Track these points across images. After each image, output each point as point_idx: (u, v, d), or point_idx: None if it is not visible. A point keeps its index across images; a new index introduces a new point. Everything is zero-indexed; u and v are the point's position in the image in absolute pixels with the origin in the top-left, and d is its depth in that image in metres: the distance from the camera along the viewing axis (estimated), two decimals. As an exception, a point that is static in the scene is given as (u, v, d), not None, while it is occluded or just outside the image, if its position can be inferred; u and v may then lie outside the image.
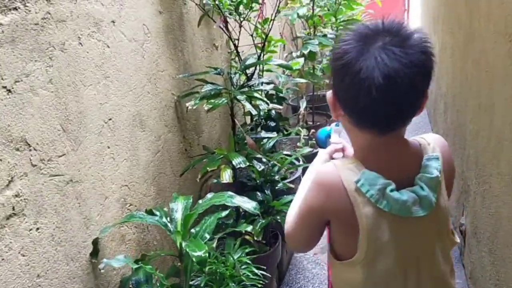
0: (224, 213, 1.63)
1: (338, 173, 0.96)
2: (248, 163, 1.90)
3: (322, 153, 1.23)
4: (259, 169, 1.94)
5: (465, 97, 2.63)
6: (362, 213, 0.93)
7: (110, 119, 1.64)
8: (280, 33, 3.35)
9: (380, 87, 0.85)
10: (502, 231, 1.77)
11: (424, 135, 1.05)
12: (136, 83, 1.80)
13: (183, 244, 1.46)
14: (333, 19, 3.88)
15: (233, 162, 1.90)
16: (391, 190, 0.93)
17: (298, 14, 3.28)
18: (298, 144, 3.21)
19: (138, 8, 1.81)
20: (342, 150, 1.23)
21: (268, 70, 2.87)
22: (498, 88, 1.81)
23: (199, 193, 2.26)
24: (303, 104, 3.50)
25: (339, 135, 1.28)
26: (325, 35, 3.56)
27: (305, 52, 3.27)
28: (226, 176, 1.86)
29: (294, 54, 3.35)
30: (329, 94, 1.00)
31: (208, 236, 1.59)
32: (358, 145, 1.02)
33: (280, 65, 2.09)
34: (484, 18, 2.05)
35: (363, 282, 0.98)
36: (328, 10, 4.08)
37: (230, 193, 1.55)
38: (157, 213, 1.70)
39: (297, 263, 2.81)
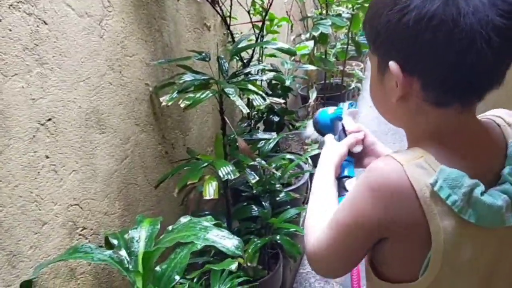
0: (200, 245, 1.22)
1: (405, 173, 0.67)
2: (237, 174, 1.48)
3: (339, 146, 0.95)
4: (253, 181, 1.53)
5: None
6: (439, 227, 0.66)
7: (49, 120, 1.23)
8: (286, 11, 2.90)
9: (498, 30, 0.61)
10: None
11: (495, 111, 0.79)
12: (90, 71, 1.39)
13: (138, 293, 1.06)
14: (348, -3, 3.41)
15: (220, 173, 1.49)
16: (481, 194, 0.66)
17: (307, -11, 2.83)
18: (306, 141, 2.79)
19: (93, -27, 1.39)
20: (362, 141, 0.98)
21: (271, 55, 2.44)
22: None
23: (186, 210, 1.87)
24: (313, 95, 3.06)
25: (354, 119, 1.00)
26: (339, 14, 3.11)
27: (316, 34, 2.83)
28: (210, 191, 1.45)
29: (303, 37, 2.91)
30: (392, 66, 0.69)
31: (177, 278, 1.19)
32: (427, 131, 0.73)
33: (279, 49, 1.66)
34: None
35: None
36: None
37: (204, 223, 1.14)
38: (115, 241, 1.30)
39: (303, 281, 2.40)
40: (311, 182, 2.42)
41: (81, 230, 1.37)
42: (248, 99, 1.66)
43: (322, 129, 1.07)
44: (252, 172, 1.61)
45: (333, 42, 4.07)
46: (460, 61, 0.64)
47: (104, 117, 1.46)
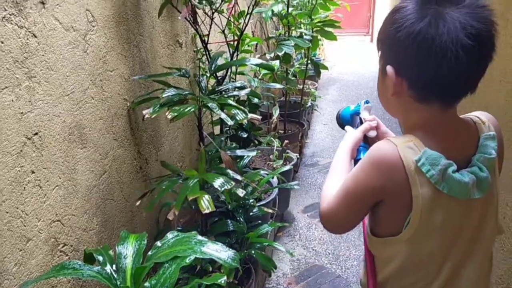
0: (188, 260, 1.23)
1: (398, 151, 0.90)
2: (232, 183, 1.50)
3: (355, 132, 1.17)
4: (241, 195, 1.55)
5: None
6: (419, 193, 0.89)
7: (35, 134, 1.21)
8: (252, 31, 2.97)
9: (466, 48, 0.81)
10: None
11: (475, 112, 1.00)
12: (75, 85, 1.38)
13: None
14: (308, 20, 3.54)
15: (215, 185, 1.50)
16: (453, 171, 0.88)
17: (272, 11, 2.92)
18: (271, 157, 2.85)
19: (80, -13, 1.39)
20: (376, 128, 1.17)
21: (240, 73, 2.49)
22: None
23: (157, 226, 1.86)
24: (276, 112, 3.14)
25: (369, 113, 1.20)
26: (300, 36, 3.22)
27: (280, 54, 2.92)
28: (206, 203, 1.45)
29: (267, 56, 2.98)
30: (389, 70, 0.91)
31: (167, 293, 1.19)
32: (417, 122, 0.95)
33: (260, 65, 1.72)
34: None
35: (405, 259, 0.96)
36: (301, 9, 3.75)
37: (198, 237, 1.16)
38: (100, 258, 1.28)
39: (270, 296, 2.44)
40: (279, 200, 2.48)
41: (62, 247, 1.34)
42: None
43: (343, 122, 1.28)
44: (238, 186, 1.63)
45: (292, 61, 4.20)
46: (436, 70, 0.84)
47: (86, 131, 1.45)
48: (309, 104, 4.28)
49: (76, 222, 1.40)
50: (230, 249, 1.12)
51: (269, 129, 3.52)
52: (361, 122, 1.19)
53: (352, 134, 1.16)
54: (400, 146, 0.89)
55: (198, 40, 2.21)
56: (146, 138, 1.88)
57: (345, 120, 1.27)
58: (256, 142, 2.78)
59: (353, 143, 1.14)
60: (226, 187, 1.45)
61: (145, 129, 1.86)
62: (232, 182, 1.45)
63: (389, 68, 0.91)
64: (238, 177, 1.62)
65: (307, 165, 4.07)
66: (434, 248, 0.94)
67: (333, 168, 1.12)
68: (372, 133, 1.16)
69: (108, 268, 1.23)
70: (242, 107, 1.65)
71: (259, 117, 1.79)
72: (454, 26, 0.82)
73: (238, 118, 1.60)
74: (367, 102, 1.21)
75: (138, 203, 1.55)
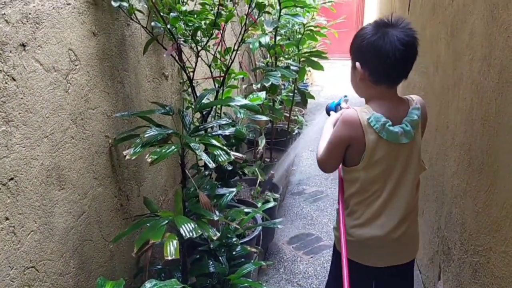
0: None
1: (357, 114, 1.49)
2: (200, 232, 1.47)
3: (334, 115, 1.75)
4: (215, 238, 1.52)
5: (443, 146, 2.36)
6: (369, 138, 1.47)
7: (11, 179, 1.17)
8: (239, 62, 2.98)
9: (399, 51, 1.41)
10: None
11: (411, 95, 1.60)
12: (54, 126, 1.35)
13: None
14: (296, 50, 3.57)
15: (181, 231, 1.47)
16: (389, 125, 1.46)
17: (260, 42, 2.93)
18: (252, 193, 2.83)
19: (63, 28, 1.37)
20: None
21: (226, 105, 2.48)
22: (505, 145, 1.51)
23: (137, 263, 1.81)
24: (262, 142, 3.13)
25: (346, 103, 1.80)
26: (288, 67, 3.23)
27: (267, 84, 2.92)
28: (171, 250, 1.42)
29: (254, 86, 2.98)
30: (357, 64, 1.51)
31: None
32: (371, 97, 1.55)
33: (244, 106, 1.71)
34: (480, 62, 1.78)
35: (361, 179, 1.54)
36: (289, 39, 3.78)
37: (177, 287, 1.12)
38: (74, 307, 1.24)
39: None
40: (264, 233, 2.45)
41: (36, 294, 1.29)
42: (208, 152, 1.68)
43: (329, 111, 1.85)
44: (213, 228, 1.60)
45: (278, 89, 4.21)
46: (383, 64, 1.44)
47: (64, 172, 1.41)
48: (296, 131, 4.28)
49: (51, 267, 1.36)
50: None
51: (255, 157, 3.50)
52: (341, 108, 1.79)
53: (334, 116, 1.74)
54: (358, 111, 1.50)
55: (183, 73, 2.20)
56: (128, 174, 1.85)
57: (331, 109, 1.85)
58: (241, 174, 2.75)
59: (334, 121, 1.69)
60: (192, 234, 1.42)
61: (127, 166, 1.83)
62: (199, 231, 1.43)
63: (357, 64, 1.52)
64: (215, 217, 1.60)
65: (293, 193, 4.04)
66: (379, 173, 1.52)
67: (322, 136, 1.68)
68: None
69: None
70: (225, 148, 1.63)
71: (243, 156, 1.77)
72: (393, 39, 1.42)
73: (220, 160, 1.58)
74: (345, 96, 1.82)
75: (111, 246, 1.51)
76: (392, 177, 1.52)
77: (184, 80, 2.38)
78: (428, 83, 2.81)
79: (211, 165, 1.54)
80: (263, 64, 3.56)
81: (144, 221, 1.59)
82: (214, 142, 1.65)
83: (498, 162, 1.56)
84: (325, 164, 1.62)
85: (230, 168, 2.50)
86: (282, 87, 4.47)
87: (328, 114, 1.87)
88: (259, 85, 2.93)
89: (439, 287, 2.33)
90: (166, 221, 1.55)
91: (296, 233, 3.37)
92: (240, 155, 1.80)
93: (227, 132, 1.76)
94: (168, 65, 2.25)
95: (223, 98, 2.35)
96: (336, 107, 1.84)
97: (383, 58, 1.42)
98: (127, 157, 1.52)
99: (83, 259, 1.53)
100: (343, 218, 1.59)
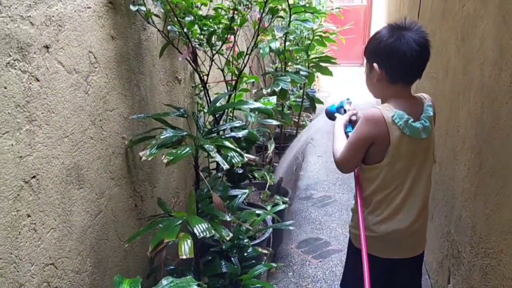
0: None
1: (381, 112, 1.54)
2: (213, 232, 1.50)
3: (344, 116, 1.82)
4: (227, 238, 1.55)
5: (454, 150, 2.38)
6: (393, 135, 1.53)
7: (33, 177, 1.20)
8: (250, 67, 3.01)
9: (415, 51, 1.50)
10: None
11: (421, 93, 1.70)
12: (75, 126, 1.38)
13: None
14: (305, 55, 3.60)
15: (195, 230, 1.50)
16: (411, 122, 1.54)
17: (270, 48, 2.96)
18: (261, 196, 2.85)
19: (84, 31, 1.41)
20: (355, 114, 1.82)
21: (238, 109, 2.51)
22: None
23: (150, 263, 1.84)
24: (271, 146, 3.15)
25: (350, 106, 1.86)
26: (297, 72, 3.26)
27: (277, 89, 2.95)
28: (186, 249, 1.44)
29: (264, 91, 3.02)
30: (375, 65, 1.58)
31: None
32: (388, 96, 1.62)
33: (256, 109, 1.74)
34: (491, 66, 1.80)
35: (383, 175, 1.60)
36: (298, 45, 3.81)
37: (194, 286, 1.14)
38: (93, 304, 1.26)
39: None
40: (273, 237, 2.47)
41: (55, 291, 1.31)
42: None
43: (330, 115, 1.89)
44: (226, 229, 1.63)
45: (288, 94, 4.24)
46: (400, 64, 1.54)
47: (83, 172, 1.44)
48: (303, 138, 4.29)
49: (69, 264, 1.39)
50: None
51: (264, 162, 3.52)
52: (345, 111, 1.85)
53: (343, 117, 1.81)
54: (381, 109, 1.55)
55: (196, 75, 2.23)
56: (143, 176, 1.88)
57: (331, 113, 1.89)
58: (251, 177, 2.78)
59: (344, 122, 1.78)
60: (206, 234, 1.45)
61: (141, 167, 1.86)
62: (212, 231, 1.45)
63: (375, 65, 1.58)
64: (228, 218, 1.62)
65: (301, 198, 4.06)
66: (400, 168, 1.58)
67: (335, 138, 1.74)
68: (354, 117, 1.81)
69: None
70: (238, 150, 1.65)
71: (256, 158, 1.79)
72: (409, 40, 1.51)
73: (234, 161, 1.60)
74: (348, 99, 1.89)
75: (126, 245, 1.54)
76: (411, 171, 1.59)
77: (196, 84, 2.41)
78: (438, 88, 2.83)
79: (225, 166, 1.56)
80: (272, 70, 3.59)
81: (158, 221, 1.62)
82: (228, 144, 1.68)
83: (510, 165, 1.58)
84: (347, 164, 1.67)
85: (240, 172, 2.52)
86: (291, 92, 4.50)
87: (329, 117, 1.92)
88: (269, 90, 2.96)
89: (449, 291, 2.33)
90: (180, 221, 1.58)
91: (305, 237, 3.38)
92: (252, 157, 1.83)
93: (239, 134, 1.79)
94: (181, 69, 2.28)
95: (235, 101, 2.38)
96: (338, 110, 1.89)
97: (400, 58, 1.51)
98: (143, 158, 1.55)
99: (99, 257, 1.56)
100: (362, 215, 1.63)
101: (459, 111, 2.26)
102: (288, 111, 3.81)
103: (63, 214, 1.35)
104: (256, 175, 2.90)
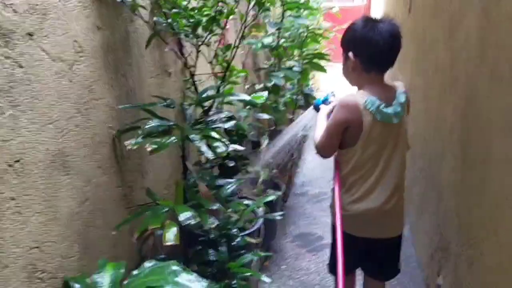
0: (166, 289, 1.24)
1: (354, 98, 1.67)
2: (198, 219, 1.52)
3: (325, 107, 1.93)
4: (213, 226, 1.57)
5: (442, 145, 2.40)
6: (366, 120, 1.64)
7: (17, 161, 1.23)
8: (242, 62, 3.04)
9: (387, 41, 1.64)
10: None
11: (395, 82, 1.79)
12: (59, 114, 1.41)
13: None
14: (298, 52, 3.62)
15: (180, 218, 1.52)
16: (383, 107, 1.65)
17: (263, 43, 2.99)
18: (254, 190, 2.87)
19: (69, 20, 1.44)
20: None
21: (228, 103, 2.54)
22: (497, 140, 1.54)
23: (139, 251, 1.86)
24: (265, 141, 3.17)
25: (334, 97, 1.98)
26: (290, 68, 3.29)
27: (269, 85, 2.98)
28: (170, 236, 1.47)
29: (257, 87, 3.04)
30: (350, 54, 1.70)
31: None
32: (363, 84, 1.73)
33: (243, 101, 1.76)
34: (474, 61, 1.82)
35: (357, 158, 1.71)
36: (293, 41, 3.84)
37: (174, 267, 1.17)
38: (77, 286, 1.29)
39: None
40: (266, 230, 2.49)
41: (40, 274, 1.34)
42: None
43: (316, 107, 2.00)
44: (212, 217, 1.65)
45: (282, 91, 4.25)
46: (374, 53, 1.66)
47: (69, 159, 1.47)
48: (300, 133, 4.31)
49: (56, 249, 1.41)
50: (204, 279, 1.13)
51: (258, 158, 3.54)
52: (329, 102, 1.97)
53: (326, 108, 1.92)
54: (356, 96, 1.68)
55: (187, 70, 2.25)
56: (131, 166, 1.91)
57: (317, 105, 2.01)
58: (244, 172, 2.80)
59: (326, 112, 1.88)
60: (191, 221, 1.48)
61: (130, 157, 1.88)
62: (198, 218, 1.48)
63: (350, 54, 1.70)
64: (214, 206, 1.65)
65: (296, 194, 4.08)
66: (372, 152, 1.69)
67: (317, 126, 1.86)
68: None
69: (84, 296, 1.23)
70: (223, 140, 1.68)
71: (242, 148, 1.82)
72: (382, 31, 1.63)
73: (219, 151, 1.63)
74: (332, 92, 2.02)
75: (114, 232, 1.56)
76: (383, 155, 1.70)
77: (187, 78, 2.44)
78: (428, 83, 2.85)
79: (210, 155, 1.59)
80: (266, 66, 3.61)
81: (145, 209, 1.65)
82: (214, 134, 1.71)
83: (489, 156, 1.60)
84: (325, 148, 1.79)
85: (232, 165, 2.55)
86: (288, 89, 4.52)
87: (316, 110, 2.03)
88: (261, 86, 2.98)
89: (439, 283, 2.35)
90: (166, 209, 1.60)
91: (299, 232, 3.40)
92: (240, 147, 1.85)
93: (227, 125, 1.81)
94: (171, 63, 2.31)
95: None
96: (324, 102, 2.00)
97: (373, 47, 1.63)
98: (129, 147, 1.58)
99: (86, 244, 1.58)
100: (339, 195, 1.74)
101: (447, 106, 2.28)
102: (283, 108, 3.83)
103: (49, 199, 1.37)
104: (249, 169, 2.92)
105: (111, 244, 1.75)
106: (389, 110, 1.64)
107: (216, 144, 1.64)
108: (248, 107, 2.60)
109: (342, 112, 1.68)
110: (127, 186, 1.88)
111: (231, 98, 1.75)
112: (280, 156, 2.46)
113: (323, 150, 1.81)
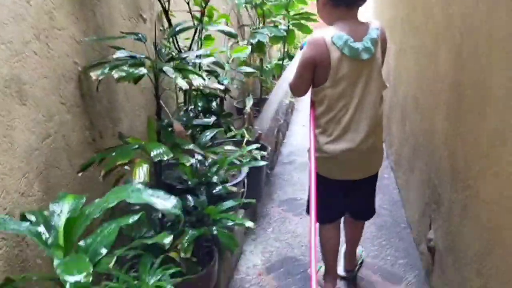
0: (131, 219, 1.12)
1: (322, 35, 1.66)
2: (171, 155, 1.40)
3: (302, 50, 1.80)
4: (187, 164, 1.44)
5: (433, 93, 2.29)
6: (333, 56, 1.64)
7: (-40, 77, 1.09)
8: (226, 23, 2.89)
9: None
10: (500, 246, 1.38)
11: (373, 19, 1.76)
12: (13, 35, 1.27)
13: (55, 263, 0.93)
14: (285, 12, 3.49)
15: (151, 154, 1.40)
16: (350, 42, 1.63)
17: (245, -2, 2.85)
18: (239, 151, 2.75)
19: None
20: None
21: (210, 55, 2.40)
22: (496, 83, 1.43)
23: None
24: (249, 102, 3.05)
25: None
26: (276, 26, 3.16)
27: (253, 41, 2.84)
28: (141, 174, 1.35)
29: (240, 43, 2.91)
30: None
31: (104, 251, 1.08)
32: (334, 20, 1.73)
33: (222, 31, 1.63)
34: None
35: (328, 96, 1.71)
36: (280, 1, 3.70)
37: (138, 186, 1.05)
38: (32, 217, 1.17)
39: (238, 287, 2.31)
40: (248, 179, 2.37)
41: (-7, 207, 1.21)
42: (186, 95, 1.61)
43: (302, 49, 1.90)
44: (188, 157, 1.53)
45: (269, 59, 4.12)
46: None
47: (26, 88, 1.33)
48: (286, 101, 4.19)
49: (11, 183, 1.28)
50: (173, 196, 1.01)
51: (244, 122, 3.42)
52: None
53: (302, 51, 1.80)
54: (323, 32, 1.66)
55: (165, 19, 2.11)
56: (101, 109, 1.77)
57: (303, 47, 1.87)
58: (228, 130, 2.68)
59: (301, 53, 1.79)
60: (162, 157, 1.35)
61: (99, 99, 1.75)
62: (170, 154, 1.35)
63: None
64: (191, 147, 1.52)
65: (283, 163, 3.97)
66: (344, 89, 1.67)
67: (293, 69, 1.80)
68: None
69: (41, 228, 1.11)
70: (200, 73, 1.55)
71: (221, 87, 1.69)
72: None
73: (195, 84, 1.50)
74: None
75: (79, 174, 1.44)
76: (356, 93, 1.68)
77: (165, 27, 2.30)
78: (421, 42, 2.73)
79: (185, 86, 1.47)
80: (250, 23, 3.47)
81: (113, 148, 1.52)
82: (190, 68, 1.58)
83: (486, 97, 1.49)
84: (297, 86, 1.79)
85: (215, 121, 2.42)
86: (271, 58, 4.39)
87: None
88: (245, 42, 2.85)
89: (430, 236, 2.25)
90: (136, 146, 1.48)
91: (286, 197, 3.30)
92: (219, 86, 1.72)
93: (204, 61, 1.68)
94: (147, 8, 2.17)
95: (203, 45, 2.28)
96: (303, 46, 1.94)
97: None
98: (94, 77, 1.45)
99: (49, 185, 1.45)
100: (314, 134, 1.76)
101: (439, 51, 2.17)
102: (268, 66, 3.69)
103: (2, 127, 1.24)
104: (232, 127, 2.81)
105: (79, 189, 1.63)
106: (358, 45, 1.61)
107: (192, 77, 1.51)
108: (231, 59, 2.46)
109: (309, 49, 1.67)
110: (97, 131, 1.75)
111: (208, 27, 1.62)
112: (272, 129, 2.43)
113: (295, 88, 1.81)
